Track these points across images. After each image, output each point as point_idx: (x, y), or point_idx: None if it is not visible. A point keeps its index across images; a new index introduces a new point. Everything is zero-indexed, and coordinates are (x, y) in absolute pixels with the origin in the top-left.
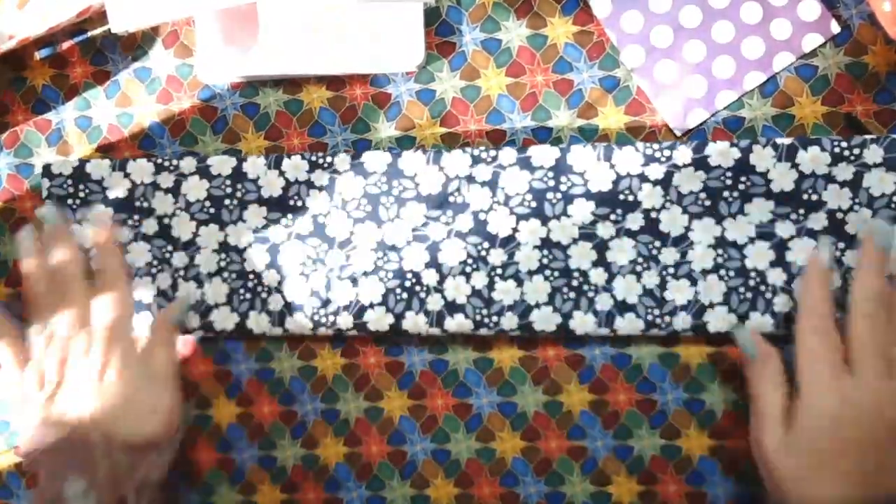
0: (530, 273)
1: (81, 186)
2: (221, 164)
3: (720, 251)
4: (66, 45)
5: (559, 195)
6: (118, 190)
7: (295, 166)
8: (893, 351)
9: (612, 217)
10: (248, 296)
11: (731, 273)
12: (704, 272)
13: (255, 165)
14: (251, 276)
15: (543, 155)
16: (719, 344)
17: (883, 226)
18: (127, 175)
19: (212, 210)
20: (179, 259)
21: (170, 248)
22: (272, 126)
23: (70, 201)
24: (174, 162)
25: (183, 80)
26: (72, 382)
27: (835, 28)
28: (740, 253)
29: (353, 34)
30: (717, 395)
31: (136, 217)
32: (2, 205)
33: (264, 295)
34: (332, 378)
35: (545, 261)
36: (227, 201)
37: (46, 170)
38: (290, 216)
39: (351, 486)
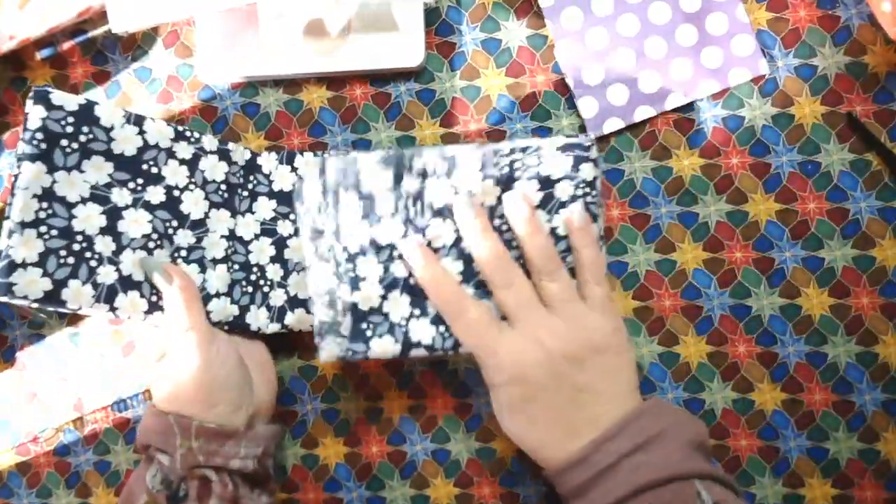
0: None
1: (85, 129)
2: (240, 153)
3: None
4: (66, 45)
5: (246, 192)
6: (127, 146)
7: (307, 163)
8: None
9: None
10: (250, 289)
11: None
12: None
13: (267, 160)
14: (255, 269)
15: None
16: (719, 343)
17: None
18: (142, 133)
19: (226, 195)
20: (184, 237)
21: (175, 223)
22: (272, 126)
23: (65, 142)
24: (196, 134)
25: (183, 80)
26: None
27: (763, 68)
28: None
29: (353, 34)
30: (717, 394)
31: (139, 181)
32: (3, 205)
33: (266, 289)
34: (332, 378)
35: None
36: (240, 190)
37: (41, 96)
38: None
39: (351, 485)
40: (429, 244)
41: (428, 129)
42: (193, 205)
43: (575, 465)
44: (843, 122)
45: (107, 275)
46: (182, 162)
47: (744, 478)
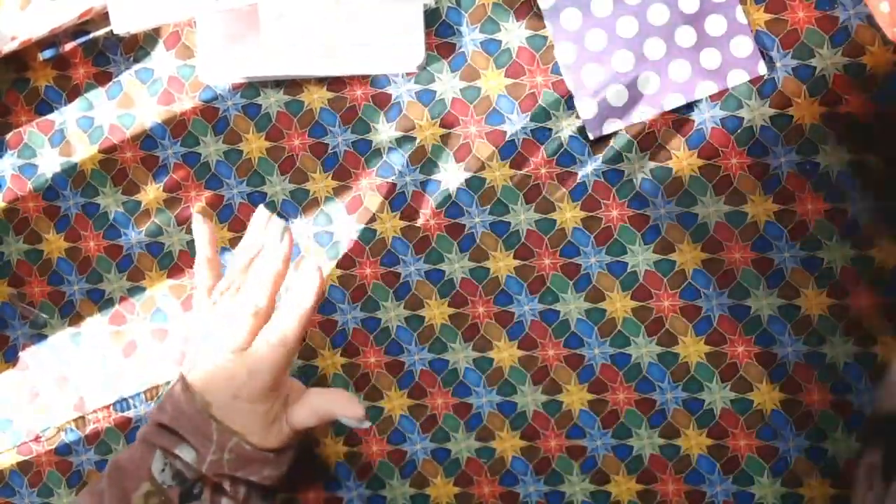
0: None
1: None
2: None
3: None
4: (68, 46)
5: None
6: None
7: None
8: None
9: None
10: None
11: None
12: None
13: None
14: None
15: None
16: (718, 343)
17: None
18: None
19: None
20: None
21: None
22: (273, 127)
23: None
24: None
25: (184, 80)
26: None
27: (762, 69)
28: None
29: (353, 35)
30: (716, 394)
31: None
32: (5, 205)
33: None
34: (333, 377)
35: None
36: None
37: None
38: None
39: (351, 484)
40: None
41: (428, 129)
42: None
43: None
44: (841, 123)
45: None
46: None
47: (742, 478)
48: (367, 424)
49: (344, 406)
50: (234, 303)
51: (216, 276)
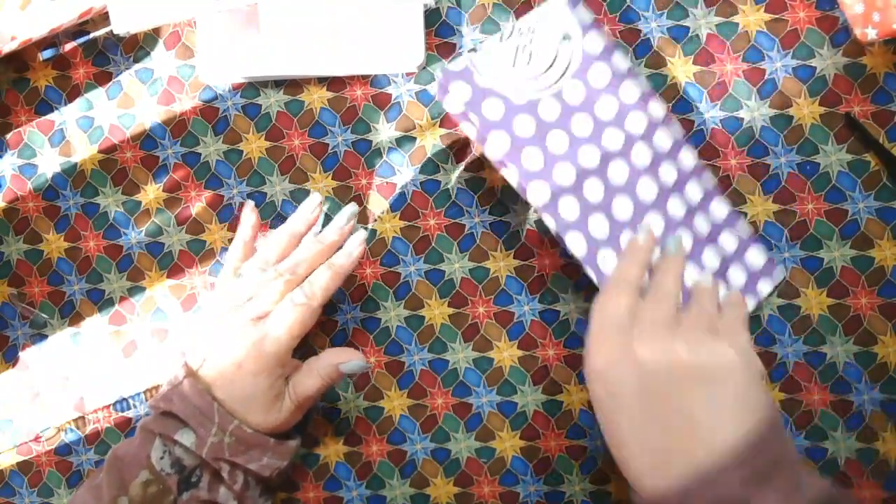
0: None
1: None
2: None
3: None
4: (68, 46)
5: None
6: None
7: None
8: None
9: None
10: None
11: None
12: None
13: None
14: None
15: None
16: None
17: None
18: None
19: None
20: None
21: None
22: (273, 127)
23: None
24: None
25: (184, 80)
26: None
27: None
28: None
29: (353, 35)
30: None
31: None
32: (5, 205)
33: None
34: None
35: None
36: None
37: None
38: None
39: (351, 484)
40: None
41: (428, 129)
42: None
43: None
44: (841, 123)
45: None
46: None
47: None
48: (369, 366)
49: (345, 355)
50: (267, 271)
51: (246, 259)
